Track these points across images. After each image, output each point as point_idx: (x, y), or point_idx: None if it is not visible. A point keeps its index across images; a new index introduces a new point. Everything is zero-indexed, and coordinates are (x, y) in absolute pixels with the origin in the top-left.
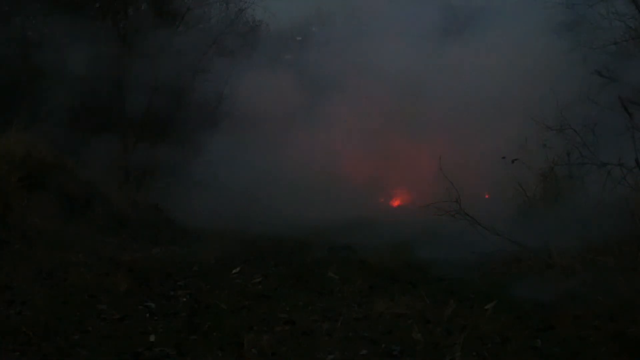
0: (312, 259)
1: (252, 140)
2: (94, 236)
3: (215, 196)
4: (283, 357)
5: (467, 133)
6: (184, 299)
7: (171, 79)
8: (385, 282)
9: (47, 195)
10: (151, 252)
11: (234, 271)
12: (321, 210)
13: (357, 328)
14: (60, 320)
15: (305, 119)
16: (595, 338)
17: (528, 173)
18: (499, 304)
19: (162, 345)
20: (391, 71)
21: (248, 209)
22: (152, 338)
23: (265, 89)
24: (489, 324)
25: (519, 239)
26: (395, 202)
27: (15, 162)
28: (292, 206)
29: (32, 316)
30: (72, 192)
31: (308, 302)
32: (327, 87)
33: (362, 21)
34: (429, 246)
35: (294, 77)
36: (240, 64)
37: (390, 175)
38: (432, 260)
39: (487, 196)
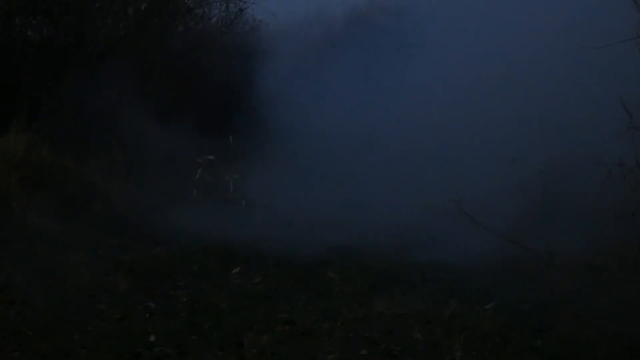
0: (312, 259)
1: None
2: (94, 236)
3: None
4: (283, 357)
5: (466, 132)
6: (184, 299)
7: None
8: (385, 282)
9: (47, 195)
10: (151, 252)
11: (234, 271)
12: (321, 209)
13: (357, 328)
14: (60, 320)
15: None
16: (595, 338)
17: (528, 173)
18: (499, 304)
19: (162, 345)
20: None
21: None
22: (152, 338)
23: None
24: (489, 324)
25: (519, 239)
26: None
27: (15, 162)
28: (291, 206)
29: (32, 316)
30: (72, 192)
31: (308, 302)
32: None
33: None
34: (429, 246)
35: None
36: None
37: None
38: (432, 260)
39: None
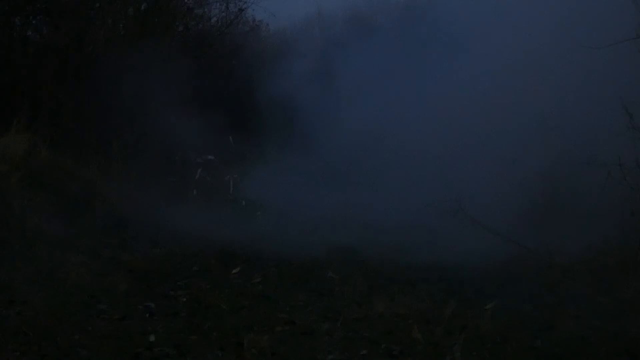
0: (312, 259)
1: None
2: (94, 236)
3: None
4: (283, 357)
5: (467, 133)
6: (184, 299)
7: None
8: (385, 282)
9: (47, 195)
10: (151, 252)
11: (234, 271)
12: (321, 209)
13: (357, 328)
14: (60, 320)
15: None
16: (595, 338)
17: (528, 173)
18: (499, 304)
19: (162, 345)
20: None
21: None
22: (152, 338)
23: None
24: (489, 324)
25: (519, 239)
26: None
27: (15, 162)
28: (291, 206)
29: (32, 316)
30: (72, 192)
31: (308, 302)
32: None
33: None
34: (429, 246)
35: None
36: None
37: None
38: (432, 261)
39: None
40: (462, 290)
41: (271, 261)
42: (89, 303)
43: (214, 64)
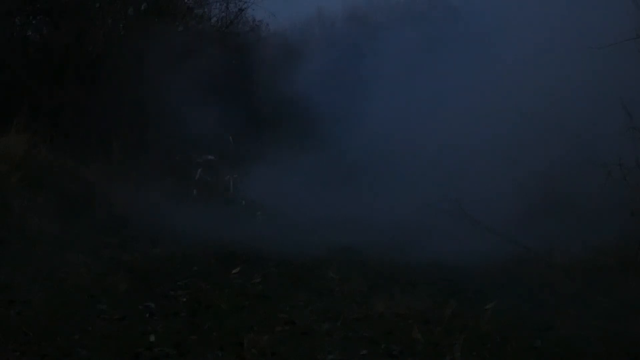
0: (312, 259)
1: None
2: (94, 236)
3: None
4: (283, 357)
5: (467, 132)
6: (184, 299)
7: None
8: (385, 282)
9: (47, 195)
10: (151, 252)
11: (234, 271)
12: (321, 209)
13: (357, 328)
14: (60, 320)
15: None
16: (595, 338)
17: (528, 173)
18: (499, 304)
19: (162, 345)
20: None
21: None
22: (152, 338)
23: None
24: (489, 324)
25: (519, 239)
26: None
27: (15, 162)
28: (291, 206)
29: (32, 316)
30: (72, 192)
31: (308, 302)
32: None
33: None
34: (429, 246)
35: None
36: None
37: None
38: (432, 261)
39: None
40: (462, 290)
41: (271, 261)
42: (89, 303)
43: (214, 64)
